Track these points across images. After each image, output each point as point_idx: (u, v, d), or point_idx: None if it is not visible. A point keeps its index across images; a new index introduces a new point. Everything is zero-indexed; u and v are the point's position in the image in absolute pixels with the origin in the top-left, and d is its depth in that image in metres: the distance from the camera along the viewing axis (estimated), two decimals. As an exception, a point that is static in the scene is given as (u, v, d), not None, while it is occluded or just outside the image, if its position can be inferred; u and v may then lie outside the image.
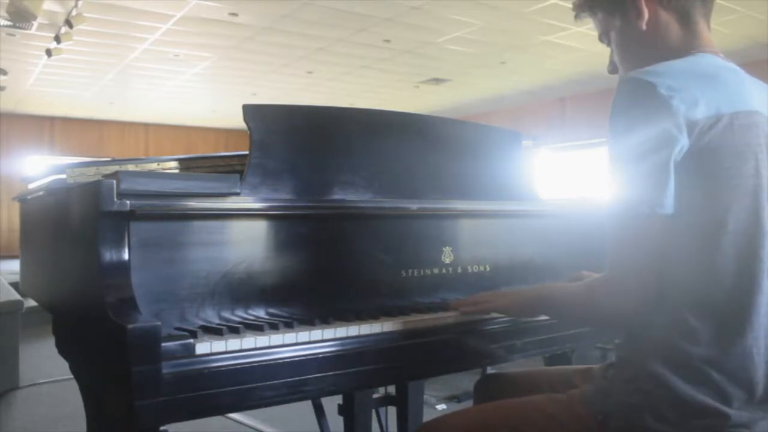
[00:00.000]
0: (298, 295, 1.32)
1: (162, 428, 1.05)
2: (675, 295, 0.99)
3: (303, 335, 1.15)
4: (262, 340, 1.10)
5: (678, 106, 0.96)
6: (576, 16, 1.28)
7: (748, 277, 0.98)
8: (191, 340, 1.05)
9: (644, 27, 1.15)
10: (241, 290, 1.25)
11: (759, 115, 1.03)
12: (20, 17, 5.73)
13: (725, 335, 0.96)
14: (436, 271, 1.51)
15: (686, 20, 1.14)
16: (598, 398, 1.03)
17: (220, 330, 1.11)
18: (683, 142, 0.96)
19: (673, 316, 0.98)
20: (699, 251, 0.98)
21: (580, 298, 1.11)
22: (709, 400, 0.95)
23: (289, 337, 1.13)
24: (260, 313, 1.27)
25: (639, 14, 1.15)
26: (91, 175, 1.42)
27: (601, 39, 1.26)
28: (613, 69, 1.26)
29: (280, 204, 1.34)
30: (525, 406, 1.15)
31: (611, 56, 1.26)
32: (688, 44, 1.13)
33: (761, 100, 1.07)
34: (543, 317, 1.40)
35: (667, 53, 1.12)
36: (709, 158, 0.97)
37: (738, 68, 1.12)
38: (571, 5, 1.29)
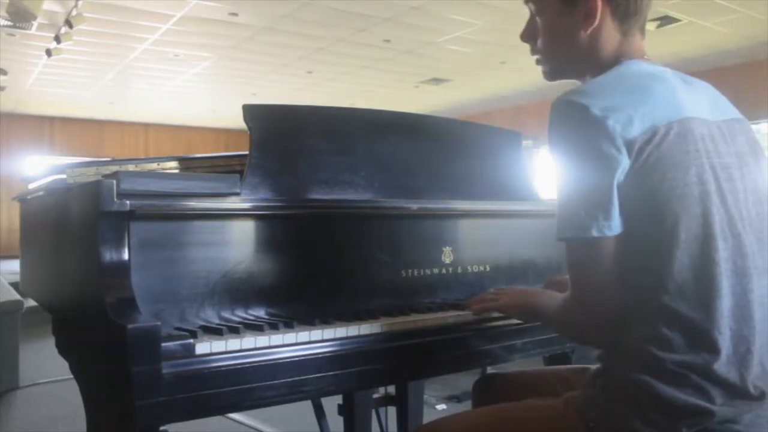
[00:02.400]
0: (298, 295, 1.32)
1: (162, 428, 1.05)
2: (643, 308, 0.99)
3: (303, 335, 1.15)
4: (262, 340, 1.11)
5: (614, 126, 0.95)
6: None
7: (707, 283, 0.97)
8: (191, 340, 1.05)
9: (587, 31, 1.11)
10: (241, 290, 1.25)
11: (693, 120, 1.02)
12: (20, 17, 5.73)
13: (695, 341, 0.97)
14: (436, 271, 1.51)
15: (625, 30, 1.11)
16: (588, 406, 1.04)
17: (220, 330, 1.12)
18: (624, 163, 0.96)
19: (645, 326, 0.98)
20: (656, 264, 0.98)
21: (557, 314, 1.11)
22: (693, 399, 0.95)
23: (289, 337, 1.13)
24: (260, 313, 1.27)
25: (587, 17, 1.10)
26: (91, 175, 1.42)
27: (526, 2, 1.19)
28: (528, 38, 1.21)
29: (280, 204, 1.34)
30: (521, 411, 1.16)
31: (530, 22, 1.20)
32: (620, 54, 1.11)
33: (693, 103, 1.05)
34: None
35: (599, 62, 1.11)
36: (650, 173, 0.97)
37: (666, 70, 1.10)
38: None
